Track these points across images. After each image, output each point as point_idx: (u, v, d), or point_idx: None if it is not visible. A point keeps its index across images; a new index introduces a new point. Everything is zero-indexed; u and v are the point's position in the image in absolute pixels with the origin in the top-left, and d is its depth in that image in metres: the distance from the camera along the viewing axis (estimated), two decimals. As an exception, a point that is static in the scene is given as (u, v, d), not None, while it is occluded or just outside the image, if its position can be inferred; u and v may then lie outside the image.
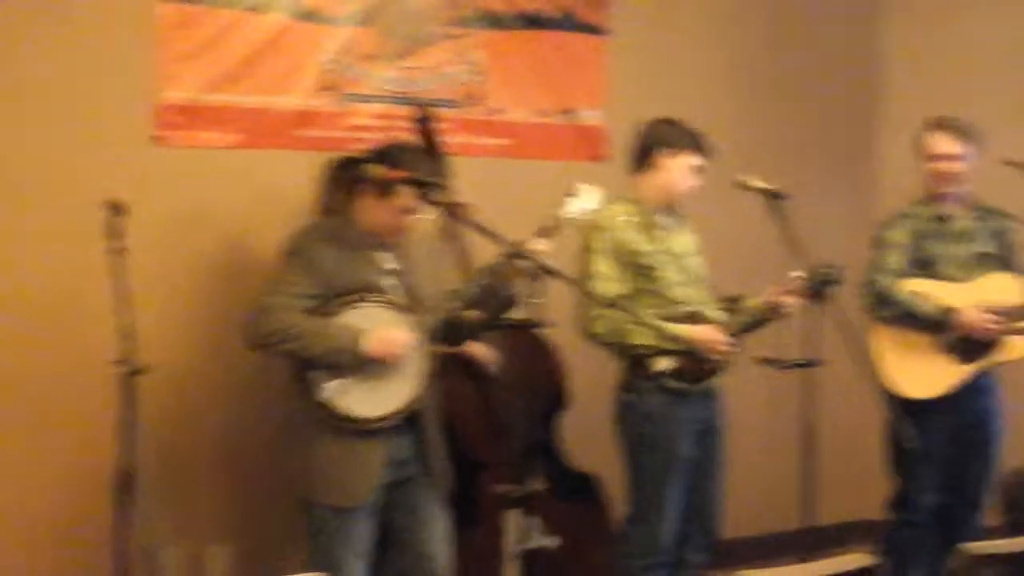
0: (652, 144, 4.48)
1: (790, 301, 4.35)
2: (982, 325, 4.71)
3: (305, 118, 4.93)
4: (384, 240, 3.99)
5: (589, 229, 4.39)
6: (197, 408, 4.76)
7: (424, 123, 4.72)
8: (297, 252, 3.93)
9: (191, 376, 4.73)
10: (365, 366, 3.83)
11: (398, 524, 4.03)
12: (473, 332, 4.18)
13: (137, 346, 3.88)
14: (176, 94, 4.69)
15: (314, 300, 3.86)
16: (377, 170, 3.89)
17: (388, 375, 3.86)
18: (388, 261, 4.00)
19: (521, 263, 3.87)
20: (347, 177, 4.45)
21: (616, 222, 4.42)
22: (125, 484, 3.85)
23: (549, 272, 3.80)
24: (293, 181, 4.83)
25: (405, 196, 3.89)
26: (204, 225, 4.76)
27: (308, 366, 3.85)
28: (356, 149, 4.83)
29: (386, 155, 3.98)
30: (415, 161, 3.96)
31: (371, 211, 3.94)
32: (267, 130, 4.86)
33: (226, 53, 4.77)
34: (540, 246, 3.93)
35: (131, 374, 3.88)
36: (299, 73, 4.92)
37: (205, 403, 4.77)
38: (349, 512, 3.91)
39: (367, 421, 3.85)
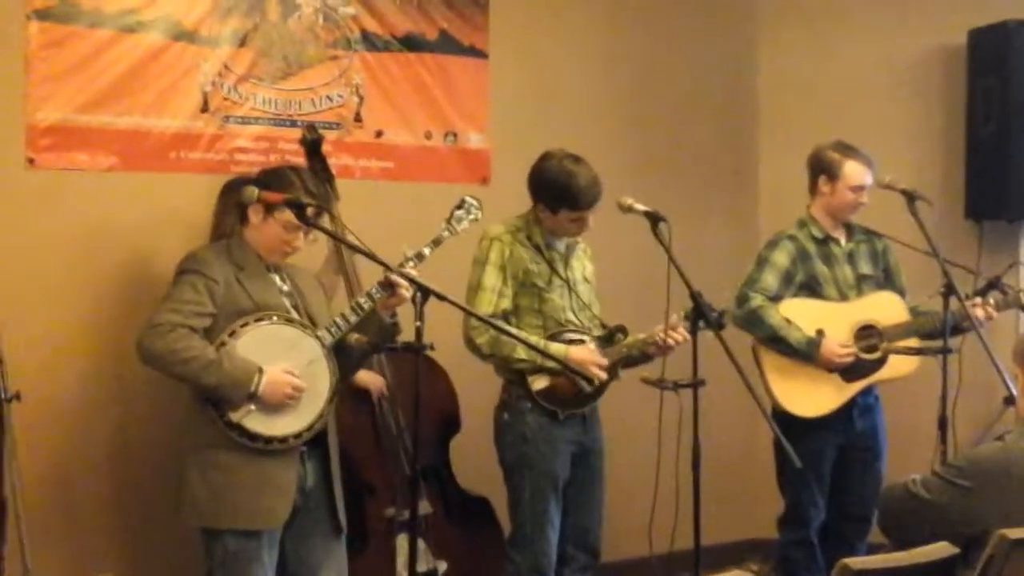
0: (536, 189, 4.46)
1: (675, 340, 4.36)
2: (841, 359, 4.78)
3: (184, 140, 4.84)
4: (273, 262, 3.95)
5: (488, 241, 4.40)
6: (78, 436, 4.64)
7: (312, 145, 4.69)
8: (191, 270, 3.86)
9: (70, 404, 4.62)
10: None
11: (293, 554, 3.95)
12: (361, 359, 4.16)
13: (7, 373, 3.75)
14: (48, 115, 4.57)
15: (208, 319, 3.80)
16: (254, 193, 3.84)
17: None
18: (282, 283, 3.98)
19: (403, 286, 3.85)
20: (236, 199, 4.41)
21: (516, 237, 4.44)
22: (-2, 515, 3.73)
23: (431, 293, 3.76)
24: (172, 204, 4.76)
25: (286, 218, 3.85)
26: (80, 250, 4.66)
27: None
28: (244, 171, 4.80)
29: (274, 176, 3.95)
30: (305, 182, 3.91)
31: (259, 232, 3.89)
32: (144, 152, 4.77)
33: (100, 73, 4.67)
34: (412, 270, 3.92)
35: (3, 402, 3.74)
36: (176, 94, 4.83)
37: (86, 431, 4.66)
38: (260, 537, 3.81)
39: (273, 441, 3.78)
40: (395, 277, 3.85)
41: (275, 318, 3.83)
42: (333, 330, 3.86)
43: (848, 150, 4.90)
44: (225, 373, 3.71)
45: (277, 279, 3.96)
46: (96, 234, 4.69)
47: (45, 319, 4.57)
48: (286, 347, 3.84)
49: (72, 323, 4.64)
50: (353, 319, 3.89)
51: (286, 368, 3.78)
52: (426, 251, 4.07)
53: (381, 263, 3.81)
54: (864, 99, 6.25)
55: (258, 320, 3.81)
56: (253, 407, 3.77)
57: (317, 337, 3.84)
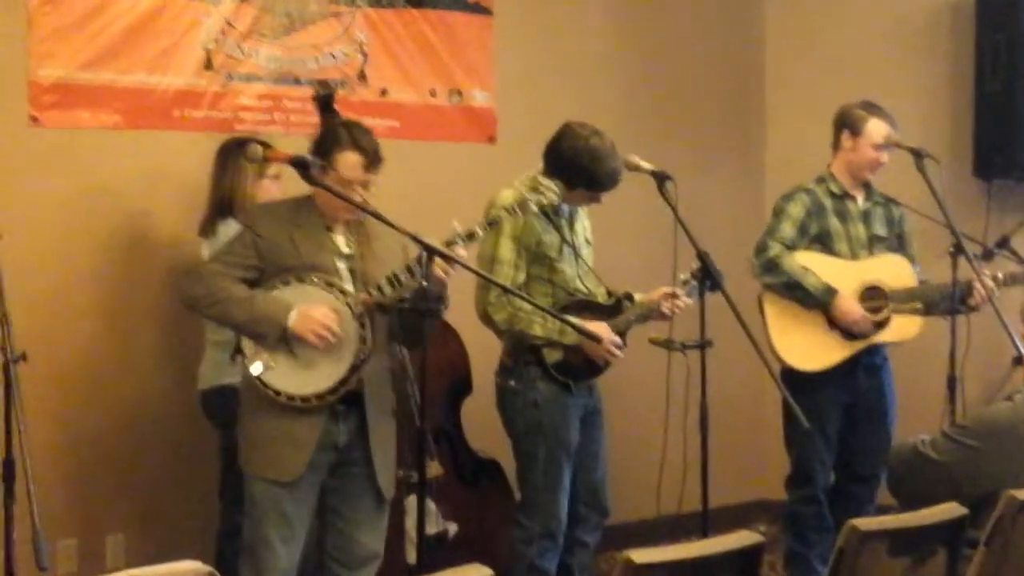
0: (557, 163, 4.36)
1: (679, 305, 4.35)
2: (853, 318, 4.79)
3: (187, 98, 4.81)
4: (337, 222, 3.93)
5: (499, 210, 4.31)
6: (85, 396, 4.65)
7: (324, 100, 4.64)
8: (247, 227, 3.93)
9: (77, 363, 4.62)
10: (294, 343, 3.79)
11: (333, 506, 4.00)
12: (416, 322, 4.02)
13: (13, 333, 3.74)
14: (51, 72, 4.54)
15: (253, 272, 3.84)
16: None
17: (317, 354, 3.80)
18: (344, 245, 3.95)
19: (440, 266, 3.80)
20: (236, 158, 4.38)
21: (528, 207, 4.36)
22: (6, 475, 3.72)
23: (437, 253, 3.71)
24: (175, 163, 4.74)
25: (339, 177, 3.81)
26: (84, 208, 4.64)
27: (240, 337, 3.83)
28: (248, 130, 4.78)
29: (326, 134, 3.93)
30: (356, 137, 3.88)
31: (321, 192, 3.85)
32: (147, 110, 4.74)
33: (103, 30, 4.64)
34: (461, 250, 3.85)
35: (10, 362, 3.73)
36: (179, 52, 4.80)
37: (93, 391, 4.66)
38: (281, 487, 3.86)
39: (294, 399, 3.81)
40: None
41: (315, 279, 3.83)
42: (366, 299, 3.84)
43: (873, 108, 4.92)
44: (257, 308, 3.77)
45: (341, 240, 3.93)
46: (100, 192, 4.67)
47: (49, 278, 4.56)
48: None
49: (77, 281, 4.63)
50: (388, 291, 3.84)
51: (324, 311, 3.78)
52: (479, 231, 3.94)
53: (387, 223, 3.75)
54: (872, 57, 6.21)
55: (299, 280, 3.83)
56: (273, 359, 3.78)
57: (348, 304, 3.83)
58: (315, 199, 3.92)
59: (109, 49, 4.65)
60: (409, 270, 3.82)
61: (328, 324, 3.76)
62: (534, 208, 4.10)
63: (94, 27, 4.61)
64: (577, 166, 4.31)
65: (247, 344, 3.82)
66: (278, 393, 3.80)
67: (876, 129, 4.85)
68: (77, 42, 4.58)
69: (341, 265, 3.91)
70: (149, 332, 4.71)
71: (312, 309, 3.76)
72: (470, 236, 3.90)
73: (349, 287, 3.87)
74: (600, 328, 4.31)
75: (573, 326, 4.08)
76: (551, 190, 4.08)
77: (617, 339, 4.36)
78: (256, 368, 3.79)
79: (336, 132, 3.92)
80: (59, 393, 4.56)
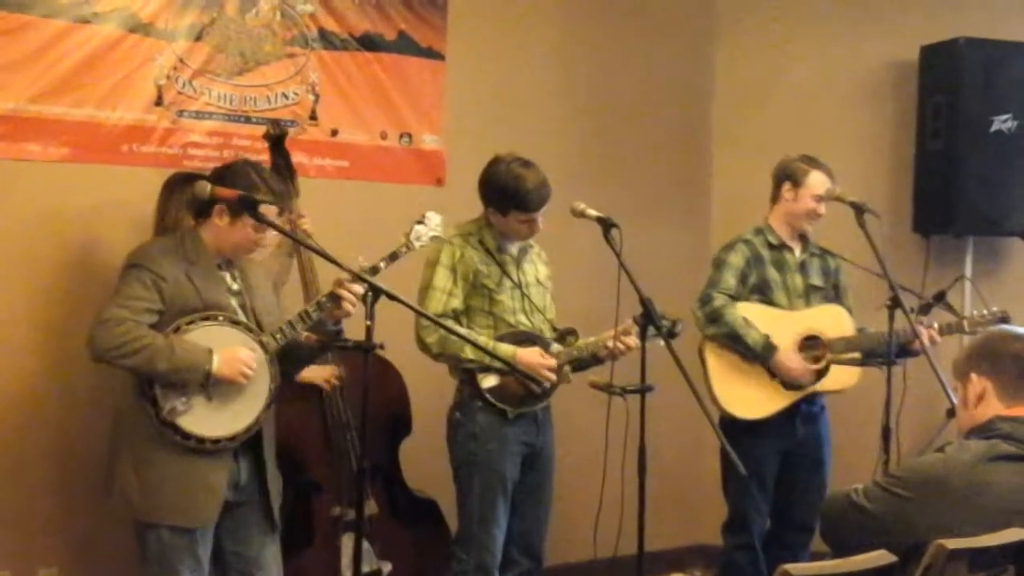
0: (486, 192, 4.50)
1: (627, 345, 4.40)
2: (794, 373, 4.87)
3: (136, 134, 4.82)
4: (228, 259, 3.94)
5: (440, 243, 4.43)
6: (21, 430, 4.61)
7: (276, 140, 4.68)
8: (138, 266, 3.82)
9: (15, 397, 4.59)
10: (211, 386, 3.76)
11: (229, 548, 3.96)
12: (310, 357, 4.15)
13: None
14: (0, 105, 4.53)
15: (156, 315, 3.76)
16: (206, 188, 3.80)
17: (233, 395, 3.79)
18: (231, 281, 3.95)
19: (348, 299, 3.85)
20: (185, 194, 4.38)
21: (467, 240, 4.47)
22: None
23: (381, 292, 3.76)
24: (123, 198, 4.73)
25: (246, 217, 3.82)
26: (29, 242, 4.62)
27: (152, 382, 3.74)
28: (197, 167, 4.78)
29: (229, 172, 3.91)
30: (266, 179, 3.90)
31: (227, 233, 3.85)
32: (97, 145, 4.74)
33: (54, 64, 4.64)
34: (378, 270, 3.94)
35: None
36: (130, 87, 4.81)
37: (30, 425, 4.63)
38: (193, 533, 3.81)
39: (213, 441, 3.77)
40: (342, 292, 3.84)
41: (220, 318, 3.81)
42: (278, 336, 3.86)
43: (814, 161, 5.04)
44: (178, 357, 3.69)
45: (228, 277, 3.94)
46: (46, 226, 4.65)
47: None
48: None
49: (18, 316, 4.60)
50: (300, 327, 3.87)
51: (245, 351, 3.77)
52: (382, 265, 4.04)
53: (333, 261, 3.79)
54: (816, 112, 6.31)
55: (204, 319, 3.79)
56: (188, 406, 3.74)
57: (261, 343, 3.83)
58: (205, 238, 3.89)
59: (61, 82, 4.65)
60: (319, 305, 3.85)
61: (250, 363, 3.76)
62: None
63: (47, 60, 4.62)
64: (502, 188, 4.42)
65: (158, 390, 3.74)
66: (188, 437, 3.75)
67: (817, 181, 4.97)
68: (29, 75, 4.58)
69: (233, 302, 3.91)
70: (87, 366, 4.65)
71: (235, 350, 3.76)
72: (374, 270, 3.97)
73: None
74: (530, 354, 4.39)
75: (488, 352, 4.21)
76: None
77: (549, 362, 4.40)
78: (171, 412, 3.73)
79: (244, 172, 3.89)
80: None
